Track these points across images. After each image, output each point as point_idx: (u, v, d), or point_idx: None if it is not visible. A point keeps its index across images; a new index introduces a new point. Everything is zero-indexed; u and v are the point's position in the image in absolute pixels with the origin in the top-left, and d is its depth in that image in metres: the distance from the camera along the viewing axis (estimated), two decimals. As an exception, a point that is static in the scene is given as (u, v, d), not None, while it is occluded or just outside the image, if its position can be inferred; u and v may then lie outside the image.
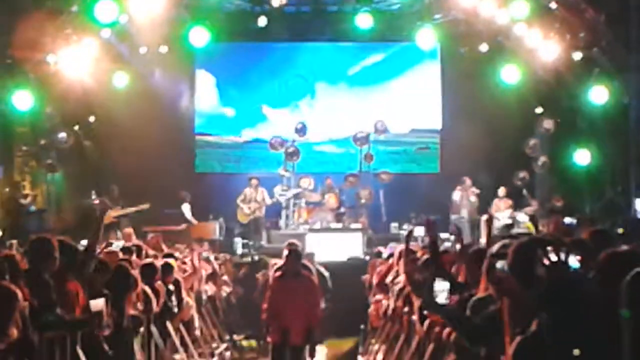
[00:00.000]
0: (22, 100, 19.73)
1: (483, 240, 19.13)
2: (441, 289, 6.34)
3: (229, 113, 26.66)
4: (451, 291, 6.54)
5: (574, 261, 4.41)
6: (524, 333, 4.66)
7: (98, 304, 8.45)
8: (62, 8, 19.63)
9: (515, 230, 21.16)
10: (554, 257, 4.44)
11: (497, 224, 22.11)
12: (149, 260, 12.18)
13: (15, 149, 21.61)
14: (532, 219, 21.84)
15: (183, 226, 22.99)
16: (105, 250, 11.49)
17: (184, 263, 14.74)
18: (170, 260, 12.99)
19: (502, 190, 23.05)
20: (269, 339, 12.94)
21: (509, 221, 22.23)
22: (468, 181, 23.43)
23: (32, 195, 21.31)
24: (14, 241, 14.21)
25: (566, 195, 22.15)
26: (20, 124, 21.21)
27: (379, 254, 17.49)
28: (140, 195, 22.46)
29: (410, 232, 11.34)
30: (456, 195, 23.47)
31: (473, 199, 23.28)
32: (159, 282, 11.70)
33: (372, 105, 26.07)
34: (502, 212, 22.59)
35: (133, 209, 22.31)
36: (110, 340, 8.77)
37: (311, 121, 25.24)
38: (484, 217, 21.94)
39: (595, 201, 22.35)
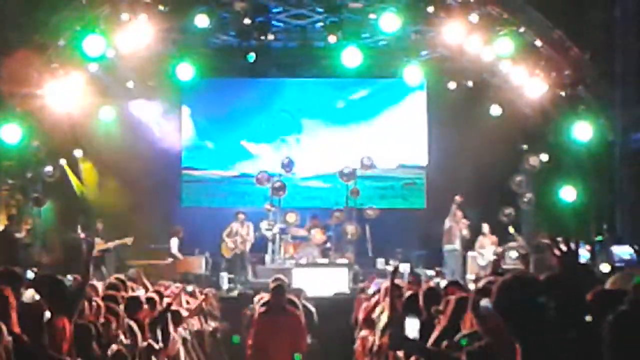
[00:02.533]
0: (11, 133, 19.74)
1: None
2: (412, 327, 6.35)
3: (215, 148, 26.70)
4: (421, 330, 6.56)
5: (584, 252, 4.50)
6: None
7: (29, 294, 8.30)
8: (49, 42, 19.69)
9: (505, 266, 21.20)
10: (564, 247, 4.48)
11: (481, 260, 22.18)
12: (134, 293, 12.12)
13: (1, 182, 21.56)
14: (524, 257, 21.87)
15: (168, 260, 22.95)
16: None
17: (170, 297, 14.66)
18: (154, 295, 12.94)
19: (486, 227, 23.06)
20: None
21: (493, 257, 22.23)
22: (459, 213, 23.44)
23: (27, 228, 21.24)
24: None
25: (552, 231, 22.17)
26: (6, 157, 21.17)
27: (363, 290, 17.50)
28: (126, 229, 22.44)
29: (396, 268, 11.34)
30: (447, 224, 23.47)
31: (465, 231, 23.29)
32: (144, 317, 11.66)
33: (358, 140, 26.15)
34: (486, 249, 22.61)
35: (116, 243, 22.29)
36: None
37: (298, 156, 25.31)
38: (471, 253, 22.21)
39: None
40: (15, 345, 6.81)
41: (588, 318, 4.39)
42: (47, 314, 7.82)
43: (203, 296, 16.78)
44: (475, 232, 23.13)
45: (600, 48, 21.18)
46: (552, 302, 4.48)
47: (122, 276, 14.01)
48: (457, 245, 23.30)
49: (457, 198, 23.39)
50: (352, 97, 26.76)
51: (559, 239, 4.57)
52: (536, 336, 4.48)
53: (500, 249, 22.23)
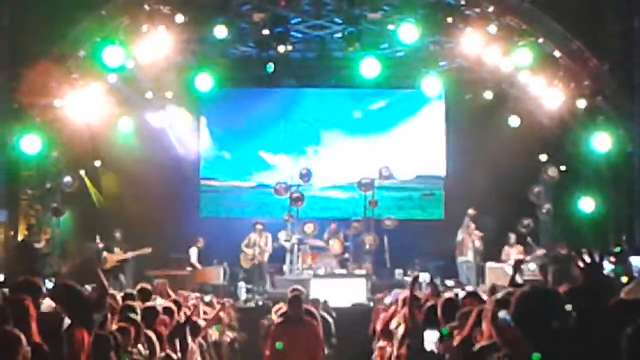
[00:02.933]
0: (30, 144, 19.86)
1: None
2: (431, 339, 6.36)
3: (233, 158, 26.75)
4: (441, 340, 6.56)
5: (608, 265, 4.51)
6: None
7: (47, 303, 8.34)
8: (69, 53, 19.82)
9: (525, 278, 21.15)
10: (588, 259, 4.48)
11: (509, 270, 22.04)
12: (150, 303, 12.14)
13: (21, 192, 21.67)
14: (543, 268, 21.79)
15: (187, 271, 23.00)
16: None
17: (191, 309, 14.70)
18: (172, 305, 12.97)
19: (513, 237, 22.98)
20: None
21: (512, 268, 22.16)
22: (472, 225, 23.43)
23: (46, 239, 21.33)
24: None
25: (571, 243, 22.10)
26: (26, 168, 21.31)
27: (381, 300, 17.52)
28: (144, 240, 22.51)
29: (416, 278, 11.34)
30: (460, 236, 23.48)
31: (478, 243, 23.28)
32: (163, 327, 11.70)
33: (377, 151, 26.14)
34: (512, 259, 22.49)
35: (135, 253, 22.38)
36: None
37: (316, 167, 25.33)
38: (489, 264, 22.13)
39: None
40: (34, 355, 6.83)
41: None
42: (67, 322, 7.86)
43: (220, 306, 16.78)
44: (495, 243, 23.07)
45: (619, 59, 21.15)
46: (573, 314, 4.47)
47: (148, 286, 14.08)
48: (470, 257, 23.30)
49: (471, 212, 23.41)
50: (370, 108, 26.76)
51: (584, 250, 4.56)
52: (555, 348, 4.48)
53: (517, 259, 22.18)
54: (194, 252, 23.39)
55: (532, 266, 22.13)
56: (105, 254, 21.99)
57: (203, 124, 26.55)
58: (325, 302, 18.78)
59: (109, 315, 9.43)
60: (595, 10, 21.02)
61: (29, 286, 8.21)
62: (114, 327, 9.60)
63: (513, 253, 22.74)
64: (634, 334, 4.19)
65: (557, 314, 4.52)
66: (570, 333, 4.44)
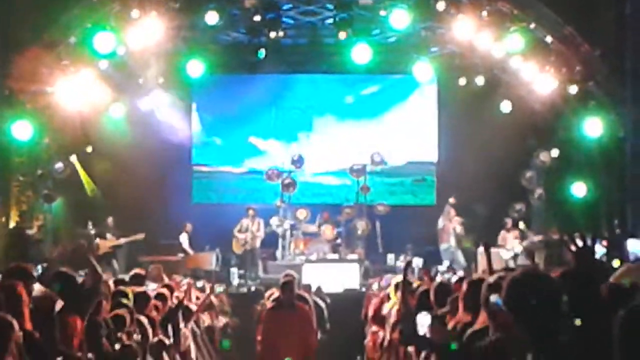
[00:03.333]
0: (21, 130, 19.82)
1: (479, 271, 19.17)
2: (423, 323, 6.37)
3: (225, 144, 26.74)
4: (433, 323, 6.58)
5: (600, 248, 4.51)
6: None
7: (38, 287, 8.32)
8: (59, 39, 19.74)
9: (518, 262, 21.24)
10: (580, 243, 4.48)
11: (506, 255, 22.08)
12: (141, 288, 12.12)
13: (12, 179, 21.63)
14: (529, 252, 21.89)
15: (179, 256, 23.01)
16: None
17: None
18: (165, 290, 12.98)
19: (509, 222, 23.00)
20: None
21: (518, 251, 22.24)
22: (452, 211, 23.50)
23: (38, 225, 21.30)
24: None
25: (562, 227, 22.15)
26: (17, 154, 21.25)
27: (379, 286, 17.57)
28: (136, 226, 22.52)
29: (409, 263, 11.34)
30: (440, 224, 23.57)
31: (459, 228, 23.35)
32: (155, 312, 11.71)
33: (368, 136, 26.14)
34: (508, 243, 22.54)
35: (128, 239, 22.40)
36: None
37: (308, 152, 25.32)
38: (480, 249, 22.15)
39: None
40: (26, 341, 6.84)
41: (577, 322, 4.39)
42: (59, 305, 7.85)
43: (209, 290, 16.77)
44: (487, 228, 23.09)
45: (610, 44, 21.16)
46: (565, 297, 4.48)
47: (141, 271, 14.08)
48: (452, 242, 23.37)
49: (451, 200, 23.51)
50: (362, 93, 26.77)
51: (575, 234, 4.57)
52: (546, 332, 4.49)
53: (499, 243, 22.31)
54: (184, 238, 23.42)
55: (518, 249, 22.23)
56: (97, 240, 22.00)
57: (194, 109, 26.52)
58: (319, 287, 18.81)
59: (102, 301, 9.45)
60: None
61: (20, 272, 8.21)
62: (108, 313, 9.62)
63: (510, 237, 22.76)
64: (625, 318, 4.20)
65: (548, 297, 4.53)
66: (562, 317, 4.45)
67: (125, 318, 10.02)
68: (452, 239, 23.43)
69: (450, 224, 23.48)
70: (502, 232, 22.90)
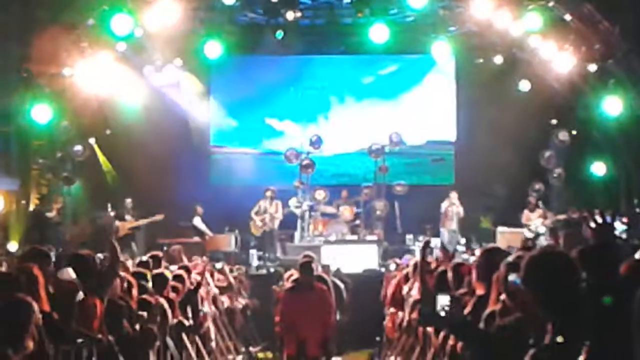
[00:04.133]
0: (41, 113, 19.87)
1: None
2: (443, 303, 6.35)
3: (243, 126, 26.74)
4: (451, 305, 6.57)
5: (619, 225, 4.49)
6: (537, 346, 4.67)
7: (68, 272, 8.34)
8: (78, 22, 19.78)
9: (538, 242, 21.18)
10: (599, 219, 4.46)
11: (529, 234, 22.03)
12: (159, 270, 12.14)
13: (32, 162, 21.71)
14: (553, 231, 21.79)
15: (197, 238, 23.05)
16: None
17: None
18: (182, 272, 13.01)
19: (533, 201, 22.88)
20: (285, 352, 12.88)
21: (542, 230, 22.16)
22: (453, 194, 23.47)
23: (57, 208, 21.37)
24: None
25: (582, 206, 22.07)
26: (36, 137, 21.32)
27: (397, 266, 17.59)
28: (155, 208, 22.57)
29: (427, 243, 11.32)
30: (442, 208, 23.54)
31: (460, 210, 23.31)
32: (173, 294, 11.75)
33: (387, 117, 26.09)
34: (533, 222, 22.46)
35: (147, 221, 22.45)
36: (126, 352, 8.79)
37: (326, 133, 25.27)
38: (500, 229, 22.14)
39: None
40: (45, 321, 6.89)
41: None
42: (80, 295, 7.88)
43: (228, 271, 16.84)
44: (506, 207, 23.04)
45: (630, 22, 20.98)
46: (584, 276, 4.46)
47: (159, 253, 14.12)
48: (454, 226, 23.31)
49: (452, 193, 23.53)
50: (380, 73, 26.68)
51: (595, 211, 4.54)
52: (565, 310, 4.47)
53: (524, 222, 22.25)
54: (197, 221, 23.40)
55: (542, 229, 22.15)
56: (116, 222, 22.06)
57: (212, 91, 26.51)
58: (338, 269, 18.81)
59: (123, 283, 9.49)
60: (606, -28, 20.87)
61: (37, 254, 8.26)
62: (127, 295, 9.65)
63: (533, 217, 22.66)
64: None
65: (566, 276, 4.52)
66: (581, 294, 4.43)
67: (146, 300, 10.07)
68: (453, 223, 23.38)
69: (452, 209, 23.44)
70: (526, 212, 22.78)
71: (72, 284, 8.04)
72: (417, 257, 12.66)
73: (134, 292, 9.86)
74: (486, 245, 8.52)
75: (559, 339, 4.30)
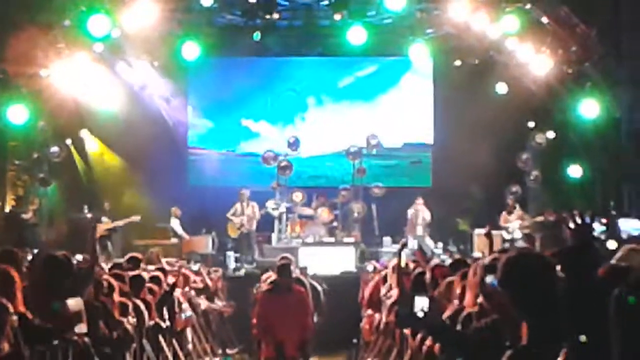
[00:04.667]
0: (17, 114, 19.77)
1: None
2: (420, 305, 6.35)
3: (221, 127, 26.70)
4: (429, 307, 6.57)
5: (598, 226, 4.48)
6: (514, 347, 4.67)
7: (76, 303, 8.35)
8: (54, 22, 19.67)
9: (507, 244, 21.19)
10: (578, 220, 4.46)
11: (507, 236, 22.05)
12: (136, 271, 12.08)
13: (8, 163, 21.60)
14: (528, 237, 21.85)
15: (175, 240, 23.00)
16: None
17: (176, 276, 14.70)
18: (159, 273, 12.97)
19: (511, 202, 22.89)
20: (262, 355, 12.83)
21: (518, 235, 22.15)
22: (419, 199, 23.48)
23: (33, 209, 21.25)
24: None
25: (558, 209, 22.15)
26: (12, 138, 21.22)
27: (374, 268, 17.59)
28: (132, 209, 22.49)
29: (404, 245, 11.35)
30: (409, 214, 23.49)
31: (427, 214, 23.27)
32: (150, 296, 11.71)
33: (364, 119, 26.12)
34: (511, 224, 22.46)
35: (123, 222, 22.34)
36: (101, 353, 8.75)
37: (304, 135, 25.28)
38: (482, 231, 22.10)
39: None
40: (21, 323, 6.85)
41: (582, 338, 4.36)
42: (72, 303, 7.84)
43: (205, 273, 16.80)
44: (483, 210, 23.09)
45: (607, 25, 21.11)
46: (561, 277, 4.47)
47: (138, 255, 14.06)
48: (419, 231, 23.24)
49: (419, 198, 23.53)
50: (357, 75, 26.70)
51: (574, 212, 4.54)
52: (542, 312, 4.48)
53: (502, 224, 22.26)
54: (175, 223, 23.35)
55: (517, 233, 22.19)
56: (104, 221, 21.94)
57: (190, 92, 26.45)
58: (314, 274, 18.74)
59: (99, 285, 9.44)
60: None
61: (9, 256, 8.22)
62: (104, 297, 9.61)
63: (511, 219, 22.67)
64: (620, 295, 4.18)
65: (543, 277, 4.52)
66: (558, 296, 4.44)
67: (123, 302, 10.03)
68: (420, 229, 23.33)
69: (417, 213, 23.42)
70: (504, 214, 22.79)
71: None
72: (394, 259, 12.67)
73: (115, 295, 9.82)
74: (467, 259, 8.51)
75: (583, 338, 4.29)
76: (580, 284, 4.31)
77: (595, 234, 4.53)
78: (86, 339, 8.39)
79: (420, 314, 6.25)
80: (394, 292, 11.62)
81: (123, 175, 23.04)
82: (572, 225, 4.45)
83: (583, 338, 4.30)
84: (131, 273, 11.68)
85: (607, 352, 4.10)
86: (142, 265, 13.62)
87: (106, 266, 12.70)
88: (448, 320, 7.06)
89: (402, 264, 10.83)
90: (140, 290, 11.33)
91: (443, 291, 8.23)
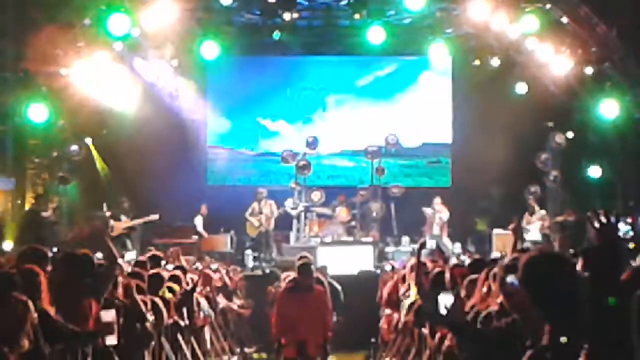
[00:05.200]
0: (37, 112, 19.83)
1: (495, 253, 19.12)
2: (445, 302, 6.36)
3: (240, 126, 26.72)
4: (453, 304, 6.57)
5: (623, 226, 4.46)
6: (534, 347, 4.66)
7: (109, 314, 8.46)
8: (74, 21, 19.75)
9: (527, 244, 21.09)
10: (604, 219, 4.44)
11: (529, 235, 21.93)
12: (155, 270, 12.09)
13: (28, 161, 21.69)
14: (547, 238, 21.76)
15: (194, 239, 23.04)
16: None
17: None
18: (179, 272, 12.98)
19: (531, 202, 22.76)
20: (283, 354, 12.79)
21: (537, 237, 22.02)
22: (436, 199, 23.29)
23: (53, 207, 21.32)
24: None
25: (578, 209, 22.07)
26: (32, 136, 21.29)
27: (393, 268, 17.58)
28: (151, 208, 22.53)
29: (423, 244, 11.30)
30: (428, 213, 23.32)
31: (445, 216, 23.04)
32: (170, 294, 11.72)
33: (383, 118, 26.10)
34: (533, 224, 22.33)
35: (142, 220, 22.37)
36: (121, 351, 8.78)
37: (322, 134, 25.28)
38: (501, 231, 22.04)
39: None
40: (41, 320, 6.88)
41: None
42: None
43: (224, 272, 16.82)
44: (502, 210, 23.00)
45: (627, 24, 21.01)
46: (584, 277, 4.45)
47: (158, 253, 14.09)
48: (436, 230, 23.08)
49: (437, 198, 23.35)
50: (377, 75, 26.69)
51: (599, 211, 4.51)
52: (563, 311, 4.47)
53: (524, 224, 22.12)
54: (198, 221, 23.40)
55: (536, 235, 22.06)
56: (112, 221, 22.01)
57: (209, 91, 26.48)
58: (332, 274, 18.63)
59: (117, 284, 9.46)
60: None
61: (34, 254, 8.24)
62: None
63: (533, 219, 22.52)
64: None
65: (564, 277, 4.51)
66: (579, 296, 4.42)
67: (140, 300, 10.05)
68: (437, 229, 23.18)
69: (435, 214, 23.26)
70: (526, 215, 22.58)
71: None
72: (412, 258, 12.66)
73: (134, 293, 9.84)
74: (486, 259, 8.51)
75: (563, 339, 4.28)
76: (605, 284, 4.29)
77: (620, 233, 4.49)
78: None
79: (444, 311, 6.25)
80: (412, 292, 11.61)
81: (142, 174, 23.06)
82: (597, 224, 4.43)
83: (564, 339, 4.29)
84: (150, 271, 11.70)
85: (630, 352, 4.09)
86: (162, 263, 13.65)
87: (124, 264, 12.70)
88: (471, 319, 7.05)
89: (421, 263, 10.79)
90: (159, 288, 11.34)
91: (466, 290, 8.21)
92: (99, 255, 9.37)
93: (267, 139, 26.62)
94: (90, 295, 8.19)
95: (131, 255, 19.27)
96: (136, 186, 23.20)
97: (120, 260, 11.53)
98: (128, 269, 11.82)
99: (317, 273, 14.06)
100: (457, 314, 6.91)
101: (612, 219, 4.43)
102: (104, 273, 8.58)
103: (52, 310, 7.31)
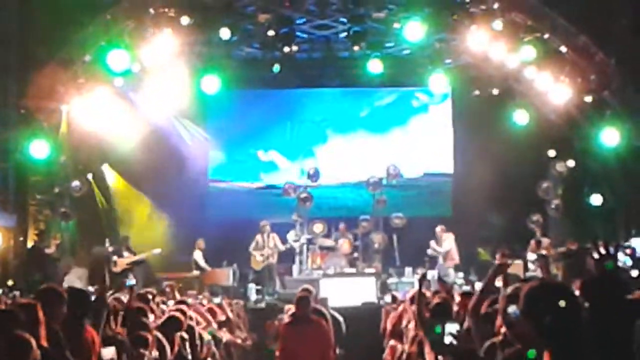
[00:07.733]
0: (39, 149, 19.87)
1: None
2: (450, 331, 6.34)
3: (240, 159, 26.74)
4: (458, 333, 6.56)
5: (623, 257, 4.47)
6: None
7: (109, 351, 8.44)
8: (75, 58, 19.85)
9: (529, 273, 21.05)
10: (603, 250, 4.44)
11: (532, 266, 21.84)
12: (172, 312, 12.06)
13: (29, 197, 21.70)
14: (543, 267, 21.68)
15: (196, 273, 23.00)
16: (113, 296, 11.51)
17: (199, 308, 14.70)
18: (182, 307, 12.94)
19: (538, 231, 22.72)
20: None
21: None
22: (438, 227, 23.23)
23: (56, 244, 21.31)
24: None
25: (580, 238, 22.04)
26: (34, 172, 21.32)
27: (394, 299, 17.51)
28: (153, 242, 22.51)
29: (424, 275, 11.29)
30: (432, 245, 23.23)
31: (448, 245, 22.92)
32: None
33: (384, 149, 26.13)
34: (531, 254, 22.26)
35: (145, 255, 22.32)
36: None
37: (323, 166, 25.31)
38: (498, 258, 21.92)
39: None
40: (43, 357, 6.86)
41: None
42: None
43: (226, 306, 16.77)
44: (504, 239, 22.95)
45: (625, 53, 21.08)
46: (585, 305, 4.45)
47: (152, 290, 14.06)
48: (440, 260, 22.84)
49: (438, 227, 23.23)
50: (377, 106, 26.75)
51: (599, 242, 4.53)
52: (565, 341, 4.46)
53: (528, 253, 22.06)
54: (198, 255, 23.31)
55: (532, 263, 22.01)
56: (115, 257, 21.97)
57: (210, 125, 26.52)
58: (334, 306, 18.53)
59: (117, 317, 9.45)
60: (601, 3, 20.94)
61: (51, 293, 8.16)
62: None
63: (540, 249, 22.42)
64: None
65: (566, 307, 4.50)
66: (581, 325, 4.42)
67: (145, 336, 10.02)
68: (439, 258, 23.09)
69: (439, 246, 23.12)
70: (532, 242, 22.47)
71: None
72: (415, 289, 12.63)
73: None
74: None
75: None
76: (605, 313, 4.30)
77: (620, 264, 4.50)
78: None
79: (448, 340, 6.24)
80: (412, 324, 11.59)
81: (143, 209, 23.07)
82: (596, 255, 4.45)
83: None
84: (169, 314, 11.70)
85: None
86: (159, 298, 13.62)
87: (125, 299, 12.67)
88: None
89: (422, 294, 10.78)
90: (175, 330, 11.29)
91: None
92: (91, 289, 9.40)
93: (269, 172, 26.64)
94: (92, 328, 8.20)
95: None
96: (138, 221, 23.20)
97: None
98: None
99: (319, 305, 14.02)
100: (464, 343, 6.90)
101: (611, 250, 4.44)
102: (97, 304, 8.60)
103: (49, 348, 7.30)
